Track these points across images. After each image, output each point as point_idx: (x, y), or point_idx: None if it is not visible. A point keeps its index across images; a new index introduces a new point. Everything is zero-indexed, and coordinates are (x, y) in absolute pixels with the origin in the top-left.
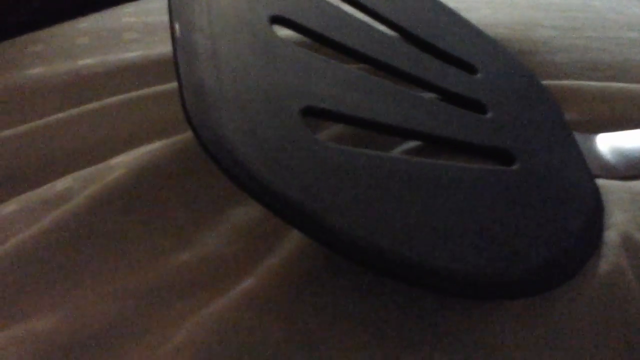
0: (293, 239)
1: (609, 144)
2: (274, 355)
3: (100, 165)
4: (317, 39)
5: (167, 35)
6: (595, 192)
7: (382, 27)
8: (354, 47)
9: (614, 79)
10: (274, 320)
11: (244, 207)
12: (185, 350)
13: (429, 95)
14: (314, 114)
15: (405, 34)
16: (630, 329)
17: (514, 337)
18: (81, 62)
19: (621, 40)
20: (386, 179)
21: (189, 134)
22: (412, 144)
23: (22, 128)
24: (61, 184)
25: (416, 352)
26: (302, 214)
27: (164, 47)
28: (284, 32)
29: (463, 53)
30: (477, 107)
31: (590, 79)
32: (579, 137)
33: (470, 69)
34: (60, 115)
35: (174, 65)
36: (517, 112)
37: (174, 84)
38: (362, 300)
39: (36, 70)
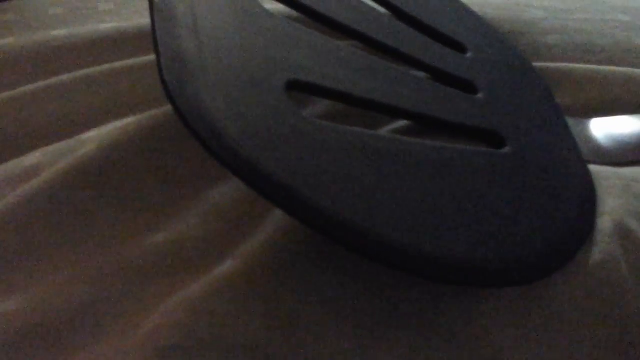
0: (274, 221)
1: (602, 129)
2: (252, 341)
3: (71, 140)
4: (305, 13)
5: (145, 6)
6: (588, 178)
7: (372, 4)
8: (343, 22)
9: (607, 62)
10: (253, 305)
11: (224, 186)
12: (158, 337)
13: (419, 74)
14: (299, 88)
15: (396, 11)
16: (622, 317)
17: (505, 325)
18: (54, 33)
19: (614, 23)
20: (373, 159)
21: (164, 109)
22: (400, 123)
23: None
24: (29, 159)
25: (401, 339)
26: (286, 192)
27: (141, 19)
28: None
29: (452, 32)
30: (468, 87)
31: (582, 61)
32: (571, 121)
33: (459, 47)
34: (30, 87)
35: (151, 34)
36: (508, 93)
37: (149, 57)
38: (345, 285)
39: (6, 41)
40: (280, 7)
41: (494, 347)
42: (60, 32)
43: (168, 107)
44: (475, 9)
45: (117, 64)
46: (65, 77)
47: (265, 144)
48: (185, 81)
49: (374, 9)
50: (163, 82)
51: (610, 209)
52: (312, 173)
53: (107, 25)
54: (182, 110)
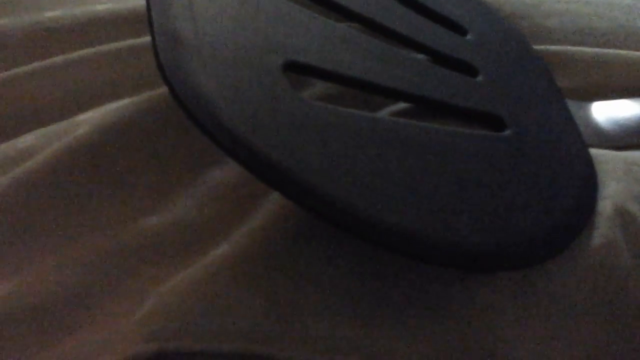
0: (271, 204)
1: (604, 112)
2: (248, 325)
3: (65, 122)
4: None
5: None
6: (589, 162)
7: None
8: (341, 3)
9: (608, 45)
10: (250, 289)
11: (220, 168)
12: (152, 322)
13: (419, 56)
14: (296, 70)
15: None
16: (623, 300)
17: (505, 309)
18: (48, 14)
19: (615, 6)
20: (371, 141)
21: (160, 91)
22: (399, 105)
23: None
24: (23, 142)
25: (398, 323)
26: (282, 174)
27: (136, 0)
28: None
29: (453, 14)
30: (468, 69)
31: (583, 44)
32: (572, 104)
33: (460, 30)
34: (24, 69)
35: (147, 16)
36: (509, 76)
37: (146, 38)
38: (343, 268)
39: (0, 21)
40: None
41: (494, 330)
42: (54, 13)
43: (164, 89)
44: None
45: (113, 46)
46: (59, 58)
47: (262, 125)
48: (181, 63)
49: None
50: (159, 64)
51: (612, 193)
52: (309, 155)
53: (102, 6)
54: (178, 92)
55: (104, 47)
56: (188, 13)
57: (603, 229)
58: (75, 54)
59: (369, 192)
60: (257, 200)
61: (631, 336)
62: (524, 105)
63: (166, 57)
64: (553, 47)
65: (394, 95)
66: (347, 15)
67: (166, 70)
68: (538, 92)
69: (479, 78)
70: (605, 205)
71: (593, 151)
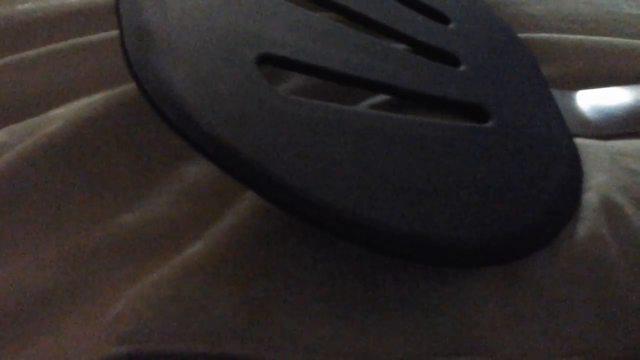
0: (246, 200)
1: (589, 101)
2: (223, 326)
3: (38, 118)
4: None
5: None
6: (574, 152)
7: None
8: None
9: (594, 32)
10: (224, 287)
11: (195, 164)
12: (126, 322)
13: (399, 46)
14: (271, 62)
15: None
16: (608, 293)
17: (490, 305)
18: (20, 7)
19: None
20: (349, 135)
21: (134, 85)
22: (379, 97)
23: None
24: None
25: (380, 322)
26: (254, 172)
27: None
28: None
29: (434, 2)
30: (450, 59)
31: (569, 32)
32: (556, 93)
33: (442, 18)
34: None
35: (114, 6)
36: (492, 66)
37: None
38: (320, 266)
39: None
40: None
41: (479, 327)
42: (26, 6)
43: None
44: None
45: (87, 39)
46: (31, 52)
47: (233, 121)
48: (149, 57)
49: None
50: (126, 58)
51: (597, 184)
52: (284, 151)
53: None
54: (145, 87)
55: (78, 41)
56: (158, 4)
57: (588, 221)
58: (48, 48)
59: (345, 188)
60: (233, 196)
61: (616, 327)
62: (508, 96)
63: (134, 50)
64: (538, 35)
65: (373, 87)
66: (324, 4)
67: (133, 64)
68: (522, 81)
69: (461, 68)
70: (591, 196)
71: (578, 141)
